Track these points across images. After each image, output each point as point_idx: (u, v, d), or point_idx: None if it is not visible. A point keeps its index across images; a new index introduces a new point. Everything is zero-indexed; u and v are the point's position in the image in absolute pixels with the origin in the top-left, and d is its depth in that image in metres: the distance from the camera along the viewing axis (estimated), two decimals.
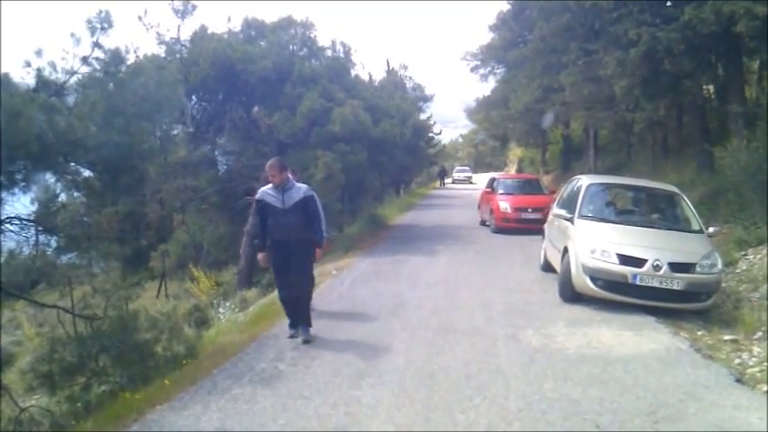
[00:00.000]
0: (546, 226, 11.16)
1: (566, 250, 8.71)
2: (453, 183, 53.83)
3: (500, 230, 16.15)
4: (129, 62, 7.98)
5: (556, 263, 9.68)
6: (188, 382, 5.70)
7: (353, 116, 14.18)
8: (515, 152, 57.40)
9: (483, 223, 18.35)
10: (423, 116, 38.84)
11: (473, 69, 43.03)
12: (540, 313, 7.91)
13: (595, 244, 8.12)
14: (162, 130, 7.79)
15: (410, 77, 40.63)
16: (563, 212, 9.32)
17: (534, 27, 19.95)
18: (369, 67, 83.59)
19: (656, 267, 7.66)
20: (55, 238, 8.50)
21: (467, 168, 63.16)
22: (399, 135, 16.72)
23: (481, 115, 48.65)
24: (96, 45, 6.27)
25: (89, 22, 6.61)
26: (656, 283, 7.68)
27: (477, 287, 9.70)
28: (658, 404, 4.90)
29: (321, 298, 9.28)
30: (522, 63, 27.88)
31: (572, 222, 8.93)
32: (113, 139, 5.71)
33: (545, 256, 10.76)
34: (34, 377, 6.17)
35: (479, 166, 72.49)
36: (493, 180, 19.41)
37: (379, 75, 38.94)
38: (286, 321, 7.84)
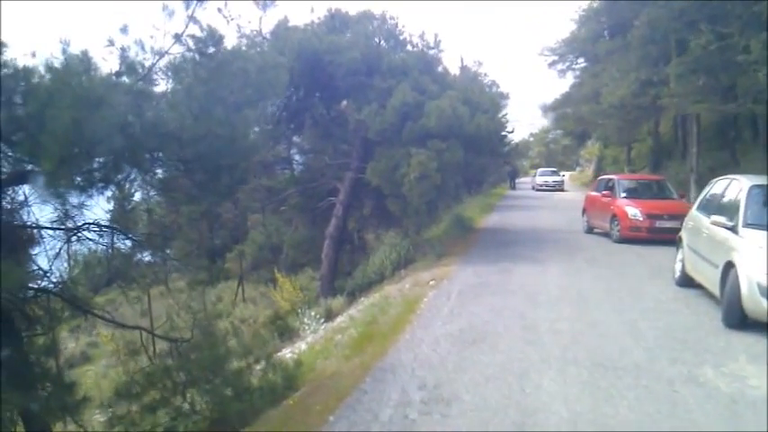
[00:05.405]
0: (683, 233, 9.62)
1: (729, 265, 7.20)
2: (536, 190, 42.21)
3: (626, 240, 14.01)
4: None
5: (705, 278, 8.18)
6: None
7: (451, 109, 12.83)
8: (591, 150, 54.37)
9: (590, 230, 16.40)
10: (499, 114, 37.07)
11: (551, 65, 41.33)
12: (708, 343, 6.46)
13: None
14: (259, 123, 6.78)
15: (485, 74, 38.99)
16: (721, 219, 7.79)
17: (639, 13, 18.18)
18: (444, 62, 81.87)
19: None
20: (131, 241, 7.58)
21: (554, 170, 48.92)
22: (494, 131, 15.33)
23: (559, 112, 46.45)
24: (191, 19, 5.24)
25: None
26: None
27: (609, 305, 8.30)
28: None
29: (428, 315, 8.13)
30: (611, 54, 26.07)
31: (735, 232, 7.41)
32: (214, 132, 4.67)
33: (683, 269, 9.26)
34: (116, 419, 5.15)
35: (550, 164, 67.78)
36: (609, 181, 16.78)
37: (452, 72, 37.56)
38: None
